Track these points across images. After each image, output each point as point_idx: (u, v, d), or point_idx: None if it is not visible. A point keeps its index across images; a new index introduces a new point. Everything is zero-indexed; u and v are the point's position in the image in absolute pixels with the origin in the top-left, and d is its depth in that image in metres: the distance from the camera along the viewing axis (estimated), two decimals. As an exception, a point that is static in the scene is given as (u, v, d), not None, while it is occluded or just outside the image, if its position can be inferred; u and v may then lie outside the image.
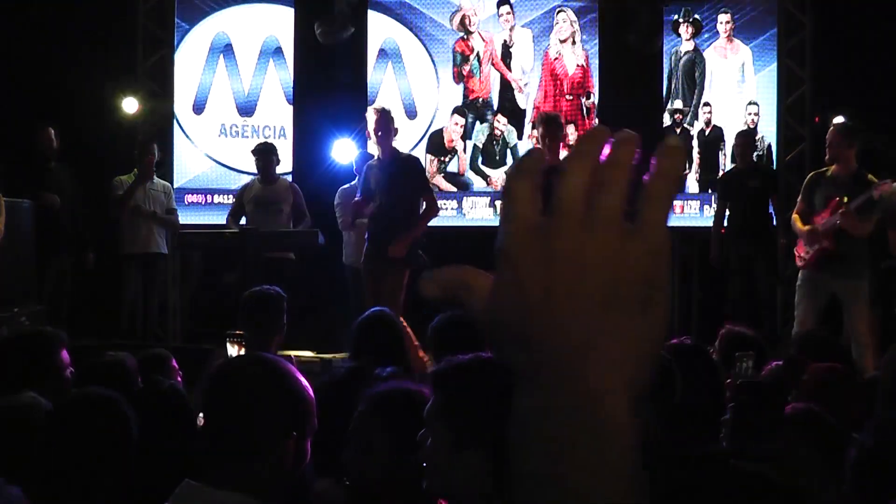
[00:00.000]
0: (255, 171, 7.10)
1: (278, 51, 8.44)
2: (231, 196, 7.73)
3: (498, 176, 8.42)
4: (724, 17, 8.74)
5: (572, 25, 8.61)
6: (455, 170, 8.51)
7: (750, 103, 8.72)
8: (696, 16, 8.71)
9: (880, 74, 8.04)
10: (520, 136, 8.53)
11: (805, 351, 3.66)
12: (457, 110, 8.52)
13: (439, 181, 8.42)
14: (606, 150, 0.52)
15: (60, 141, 7.29)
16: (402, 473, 2.02)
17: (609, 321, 0.51)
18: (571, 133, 8.17)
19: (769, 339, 5.31)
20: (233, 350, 3.64)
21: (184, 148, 8.31)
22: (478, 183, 8.48)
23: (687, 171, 8.68)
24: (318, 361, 6.39)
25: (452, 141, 8.50)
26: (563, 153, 6.45)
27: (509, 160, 8.49)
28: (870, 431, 2.01)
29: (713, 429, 2.71)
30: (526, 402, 0.52)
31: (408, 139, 8.27)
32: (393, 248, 5.78)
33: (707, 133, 8.70)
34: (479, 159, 8.52)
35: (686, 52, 8.72)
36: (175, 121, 8.27)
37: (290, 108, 8.43)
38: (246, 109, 8.40)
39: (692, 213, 8.60)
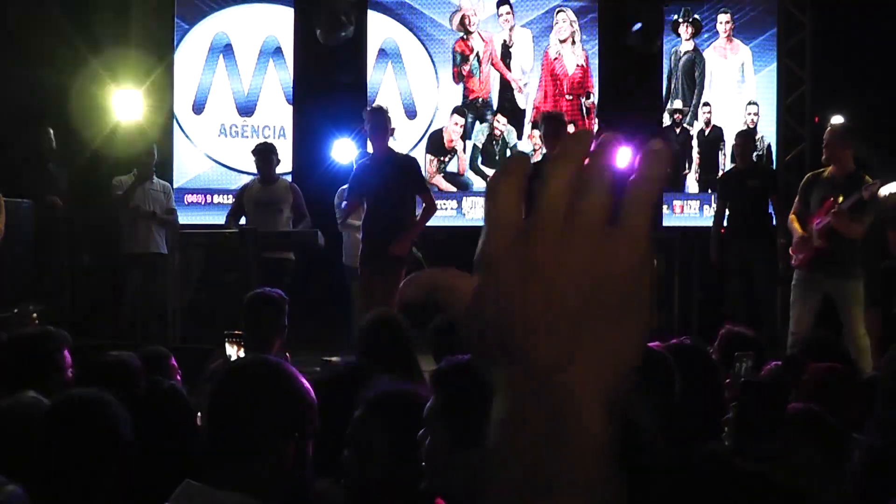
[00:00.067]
0: (255, 171, 7.09)
1: (278, 51, 8.44)
2: (231, 196, 7.72)
3: (498, 176, 8.42)
4: (723, 17, 8.74)
5: (572, 25, 8.61)
6: (455, 170, 8.51)
7: (750, 103, 8.73)
8: (696, 16, 8.72)
9: (880, 74, 8.04)
10: (519, 136, 8.53)
11: (805, 351, 3.67)
12: (456, 110, 8.52)
13: (439, 181, 8.42)
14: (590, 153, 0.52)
15: (59, 142, 7.29)
16: (402, 474, 2.02)
17: (588, 329, 0.50)
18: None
19: (769, 339, 5.30)
20: (232, 350, 3.63)
21: (183, 148, 8.31)
22: (477, 183, 8.48)
23: (687, 171, 8.69)
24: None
25: (452, 141, 8.50)
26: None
27: (509, 160, 8.49)
28: (874, 432, 2.01)
29: (713, 429, 2.72)
30: (503, 409, 0.51)
31: (408, 139, 8.28)
32: (395, 247, 5.79)
33: (707, 133, 8.70)
34: (479, 159, 8.52)
35: (686, 52, 8.73)
36: (175, 121, 8.27)
37: (290, 108, 8.43)
38: (246, 109, 8.40)
39: (692, 213, 8.60)
